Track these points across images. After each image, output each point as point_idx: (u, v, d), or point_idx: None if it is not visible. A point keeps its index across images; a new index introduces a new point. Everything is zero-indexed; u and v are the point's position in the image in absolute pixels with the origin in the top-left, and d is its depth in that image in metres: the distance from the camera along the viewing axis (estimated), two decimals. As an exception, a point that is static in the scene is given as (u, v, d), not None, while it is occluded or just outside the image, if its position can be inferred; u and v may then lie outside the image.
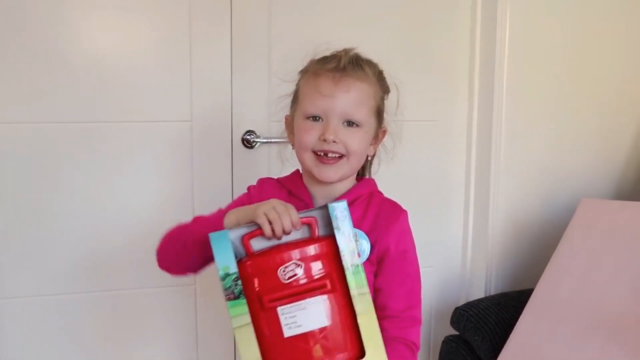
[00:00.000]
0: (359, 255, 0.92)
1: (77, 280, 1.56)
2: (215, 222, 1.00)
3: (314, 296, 0.89)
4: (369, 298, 0.91)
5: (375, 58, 1.11)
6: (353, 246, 0.91)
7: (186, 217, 1.57)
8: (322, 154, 1.03)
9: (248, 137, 1.61)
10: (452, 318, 1.61)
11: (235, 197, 1.61)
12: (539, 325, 1.40)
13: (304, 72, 1.09)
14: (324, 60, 1.05)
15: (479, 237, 1.84)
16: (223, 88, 1.59)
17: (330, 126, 1.00)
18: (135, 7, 1.51)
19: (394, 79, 1.12)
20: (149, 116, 1.55)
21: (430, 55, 1.76)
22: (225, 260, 0.90)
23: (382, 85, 1.09)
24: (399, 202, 1.11)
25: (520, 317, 1.45)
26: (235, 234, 0.94)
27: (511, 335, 1.43)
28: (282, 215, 0.91)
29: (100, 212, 1.55)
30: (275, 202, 0.93)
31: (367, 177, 1.18)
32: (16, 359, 1.54)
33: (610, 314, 1.29)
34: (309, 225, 0.95)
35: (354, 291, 0.90)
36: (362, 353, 0.90)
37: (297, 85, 1.10)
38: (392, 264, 1.05)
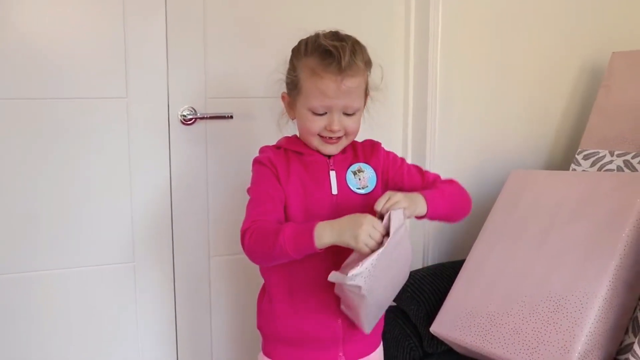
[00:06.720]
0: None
1: (8, 260, 1.53)
2: (306, 238, 1.05)
3: None
4: None
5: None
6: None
7: (123, 196, 1.58)
8: (327, 137, 1.19)
9: (185, 113, 1.60)
10: (389, 289, 1.64)
11: (180, 175, 1.61)
12: (470, 292, 1.45)
13: (304, 67, 1.16)
14: (324, 59, 1.13)
15: (416, 211, 1.89)
16: (159, 64, 1.57)
17: (334, 120, 1.16)
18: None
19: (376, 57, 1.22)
20: (83, 93, 1.52)
21: (366, 37, 1.77)
22: None
23: (368, 67, 1.20)
24: None
25: (453, 284, 1.50)
26: None
27: (444, 302, 1.49)
28: (376, 240, 1.03)
29: (32, 191, 1.52)
30: (370, 229, 1.03)
31: None
32: None
33: (528, 288, 1.35)
34: None
35: None
36: None
37: (296, 74, 1.18)
38: (400, 168, 1.28)
